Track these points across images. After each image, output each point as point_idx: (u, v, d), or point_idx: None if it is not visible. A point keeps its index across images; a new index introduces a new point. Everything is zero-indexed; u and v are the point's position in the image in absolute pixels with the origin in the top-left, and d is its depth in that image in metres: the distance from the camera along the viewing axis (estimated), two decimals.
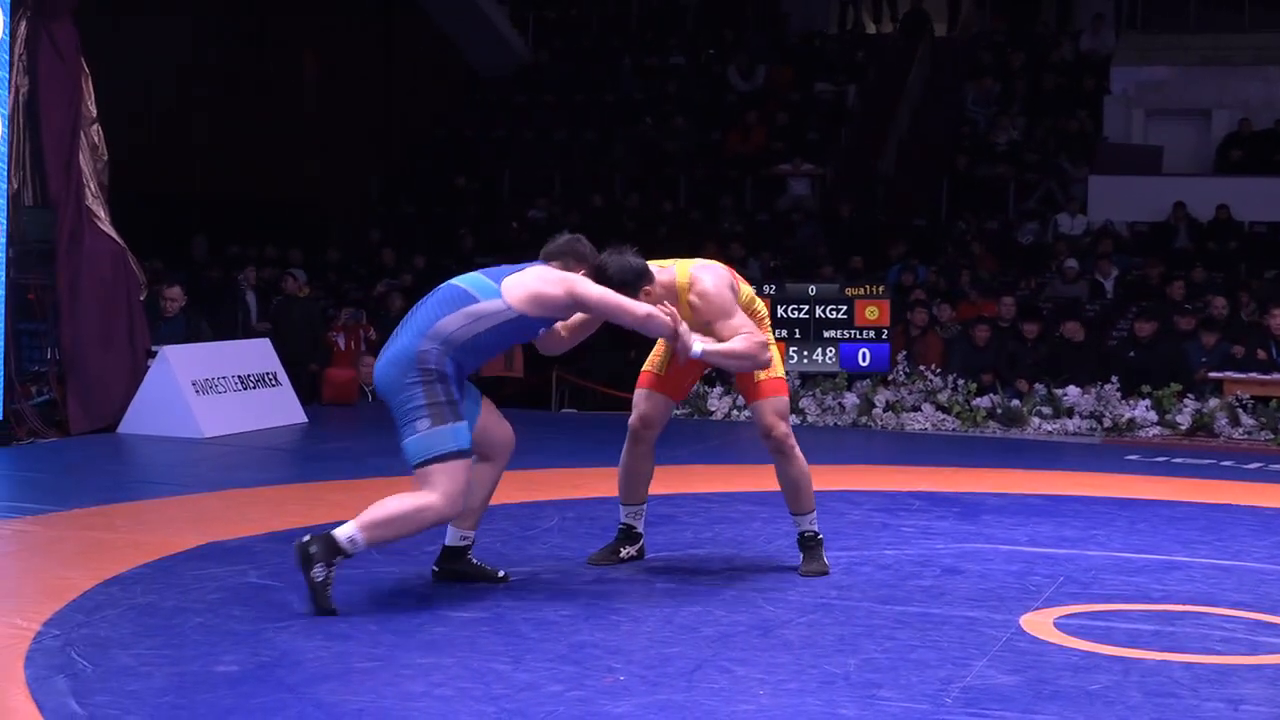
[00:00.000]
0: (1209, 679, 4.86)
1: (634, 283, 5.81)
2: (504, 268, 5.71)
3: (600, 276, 5.74)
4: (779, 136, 20.37)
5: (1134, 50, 21.06)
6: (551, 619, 5.44)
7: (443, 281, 5.75)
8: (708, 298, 5.94)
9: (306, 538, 5.38)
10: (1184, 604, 5.92)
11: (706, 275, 6.00)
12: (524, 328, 5.61)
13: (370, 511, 5.42)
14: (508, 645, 5.06)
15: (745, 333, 5.90)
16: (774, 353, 6.18)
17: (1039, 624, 5.53)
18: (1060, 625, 5.52)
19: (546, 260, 5.79)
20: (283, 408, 11.31)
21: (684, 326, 5.72)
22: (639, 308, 5.61)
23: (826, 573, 6.29)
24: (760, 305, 6.29)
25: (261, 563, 6.30)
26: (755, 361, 5.94)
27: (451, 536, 5.94)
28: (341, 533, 5.36)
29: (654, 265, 5.98)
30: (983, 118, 20.54)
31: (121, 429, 10.50)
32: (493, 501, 6.12)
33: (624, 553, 6.44)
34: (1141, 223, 18.51)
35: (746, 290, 6.20)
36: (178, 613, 5.43)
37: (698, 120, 20.88)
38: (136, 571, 6.09)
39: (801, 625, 5.49)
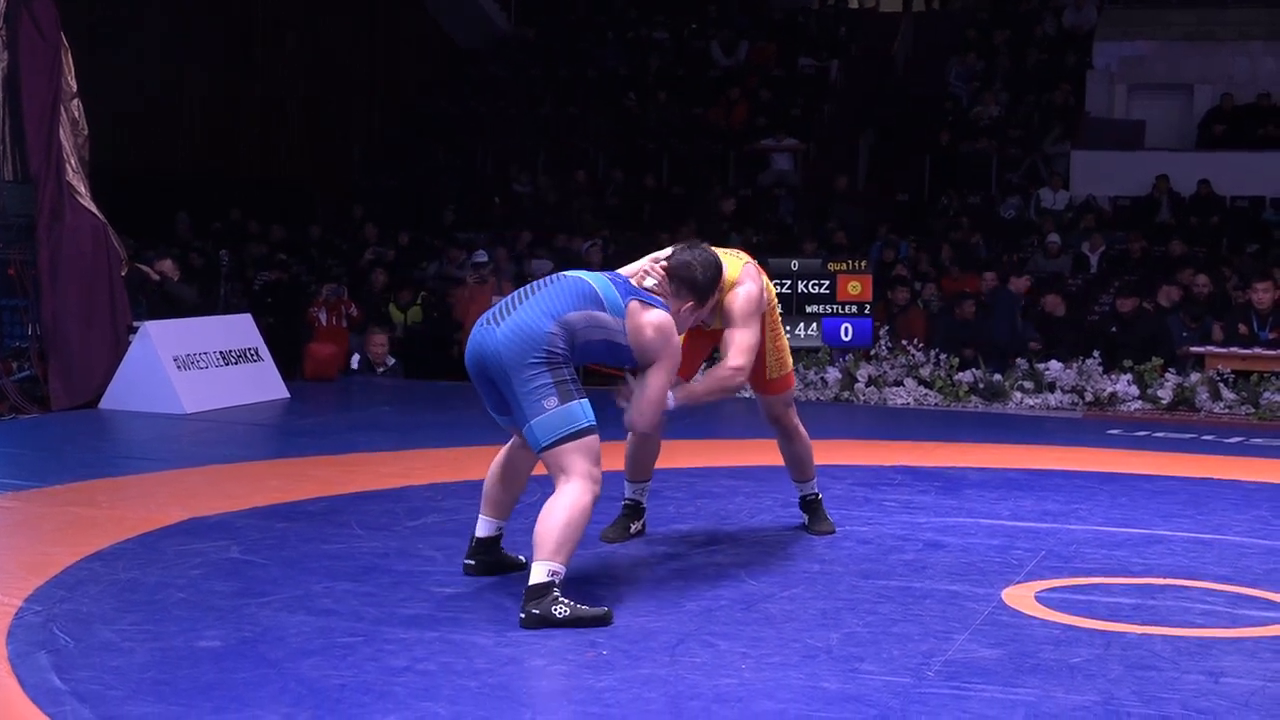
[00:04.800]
0: (1190, 652, 4.88)
1: (713, 287, 5.75)
2: (635, 288, 5.51)
3: (691, 282, 5.64)
4: (761, 112, 20.34)
5: (1116, 25, 21.06)
6: None
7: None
8: (735, 301, 5.93)
9: (522, 615, 5.00)
10: (1165, 577, 5.95)
11: (746, 286, 5.96)
12: (620, 353, 5.43)
13: (542, 539, 5.07)
14: (490, 620, 5.06)
15: (734, 351, 5.88)
16: (785, 346, 6.44)
17: (1020, 598, 5.55)
18: (1041, 599, 5.54)
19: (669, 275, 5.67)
20: (264, 383, 11.27)
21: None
22: (659, 410, 5.50)
23: (834, 531, 6.64)
24: (778, 305, 6.41)
25: (243, 538, 6.29)
26: (725, 392, 6.02)
27: (486, 528, 5.71)
28: (537, 576, 5.04)
29: None
30: (965, 93, 20.53)
31: (103, 405, 10.46)
32: (474, 477, 6.09)
33: (633, 527, 6.52)
34: (1124, 197, 18.54)
35: (771, 293, 6.28)
36: (160, 588, 5.43)
37: (680, 96, 20.84)
38: (118, 547, 6.08)
39: (784, 599, 5.50)
